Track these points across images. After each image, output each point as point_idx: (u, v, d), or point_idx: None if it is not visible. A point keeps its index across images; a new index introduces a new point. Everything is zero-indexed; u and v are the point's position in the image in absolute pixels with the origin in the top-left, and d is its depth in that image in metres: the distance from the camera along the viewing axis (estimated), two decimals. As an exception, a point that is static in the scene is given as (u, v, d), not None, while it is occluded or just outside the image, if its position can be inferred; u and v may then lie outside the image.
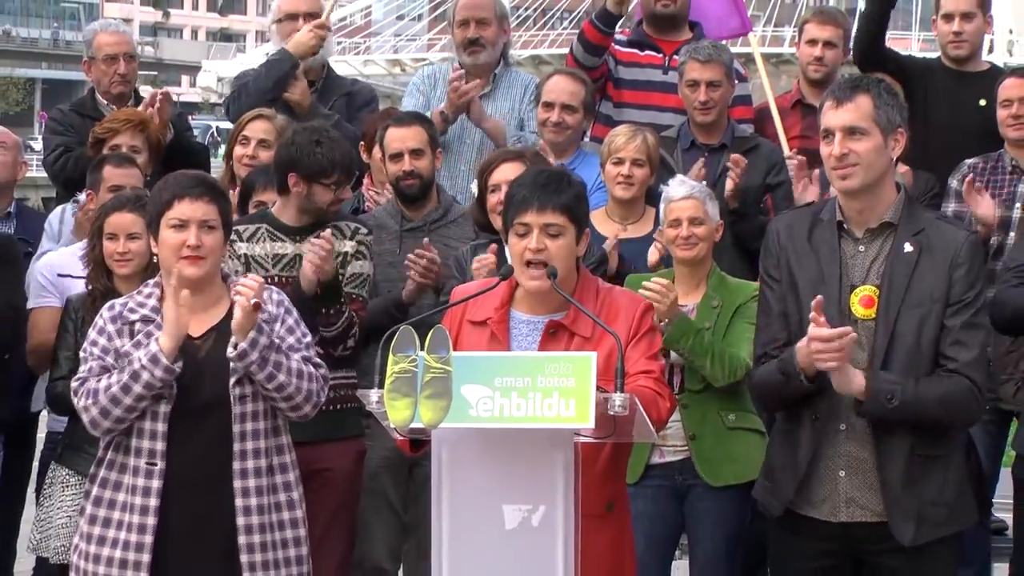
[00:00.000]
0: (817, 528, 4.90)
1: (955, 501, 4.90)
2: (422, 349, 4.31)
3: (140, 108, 7.23)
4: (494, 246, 5.83)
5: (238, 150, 6.83)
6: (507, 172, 5.83)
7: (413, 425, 4.33)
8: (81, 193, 6.66)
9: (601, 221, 6.41)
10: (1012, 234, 6.41)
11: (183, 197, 5.05)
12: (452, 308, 4.86)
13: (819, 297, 4.71)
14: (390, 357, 4.31)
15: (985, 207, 6.46)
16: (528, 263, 4.71)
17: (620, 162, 6.40)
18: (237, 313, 4.97)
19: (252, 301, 4.93)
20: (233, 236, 5.95)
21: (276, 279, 5.89)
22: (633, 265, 6.16)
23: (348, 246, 6.03)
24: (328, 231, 5.81)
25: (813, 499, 4.90)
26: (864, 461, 4.85)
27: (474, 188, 6.34)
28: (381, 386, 4.35)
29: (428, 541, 4.53)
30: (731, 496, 5.75)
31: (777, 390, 4.91)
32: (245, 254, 6.04)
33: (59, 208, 7.01)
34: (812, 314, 4.68)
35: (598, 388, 4.29)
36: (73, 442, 5.80)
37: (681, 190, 5.92)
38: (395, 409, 4.31)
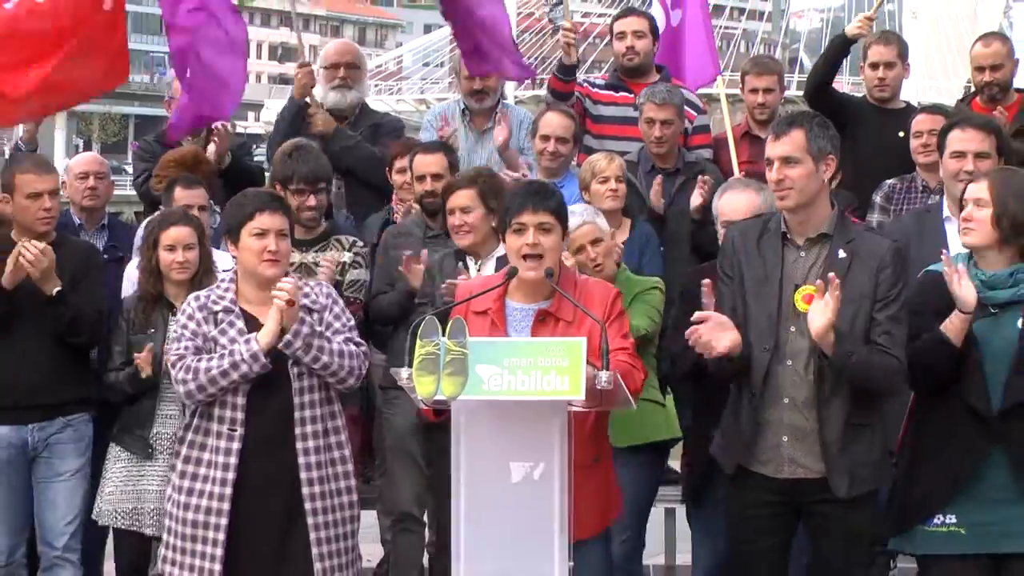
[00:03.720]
0: (764, 483, 4.88)
1: (879, 461, 4.89)
2: (443, 336, 4.31)
3: (212, 138, 7.21)
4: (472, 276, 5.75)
5: None
6: (458, 199, 5.89)
7: (437, 397, 4.34)
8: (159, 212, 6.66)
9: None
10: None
11: (264, 210, 5.03)
12: (464, 301, 4.86)
13: (697, 314, 4.73)
14: (417, 342, 4.32)
15: None
16: (525, 256, 4.71)
17: (606, 180, 6.38)
18: (271, 324, 4.94)
19: (286, 300, 4.90)
20: None
21: None
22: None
23: (347, 256, 6.06)
24: (329, 257, 5.63)
25: (760, 458, 4.88)
26: (803, 428, 4.82)
27: None
28: (410, 366, 4.36)
29: (447, 491, 4.53)
30: (635, 457, 5.67)
31: (715, 365, 4.88)
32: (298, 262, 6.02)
33: (147, 221, 6.99)
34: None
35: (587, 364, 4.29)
36: (124, 426, 5.78)
37: (574, 221, 5.44)
38: (422, 384, 4.32)
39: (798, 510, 4.93)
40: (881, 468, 4.91)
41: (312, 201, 6.06)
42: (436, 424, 5.60)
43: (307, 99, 7.42)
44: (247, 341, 4.96)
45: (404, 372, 4.43)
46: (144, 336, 5.69)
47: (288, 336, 4.94)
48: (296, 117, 7.41)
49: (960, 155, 5.54)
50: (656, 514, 6.81)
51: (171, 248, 5.72)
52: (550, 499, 4.37)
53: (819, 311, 4.65)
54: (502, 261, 5.70)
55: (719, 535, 5.37)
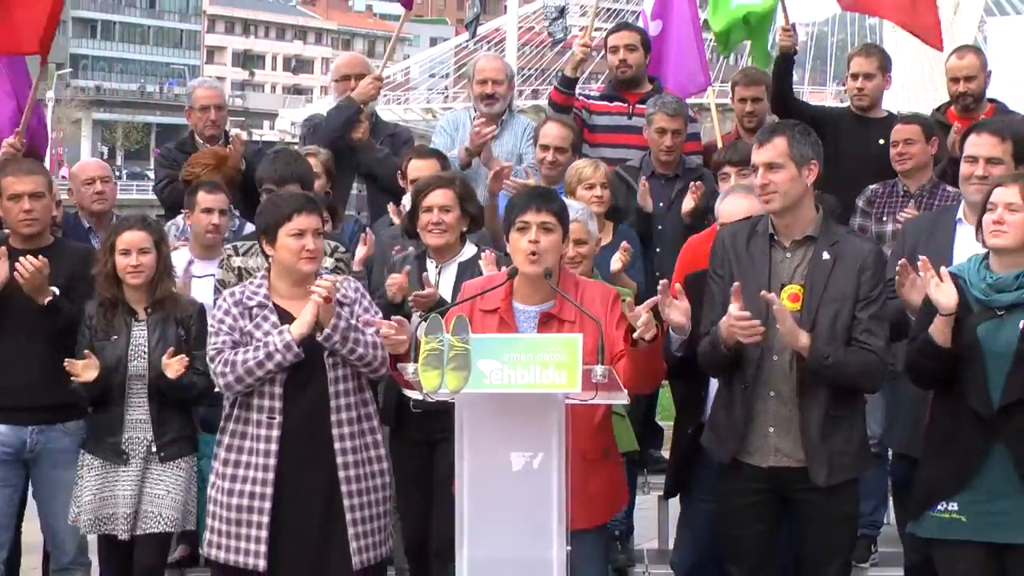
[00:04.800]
0: (752, 472, 4.88)
1: (857, 451, 4.89)
2: (447, 332, 4.30)
3: (228, 148, 7.18)
4: (407, 269, 5.64)
5: None
6: (438, 197, 5.65)
7: (441, 391, 4.31)
8: (180, 214, 6.62)
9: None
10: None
11: (301, 211, 5.02)
12: (467, 300, 4.86)
13: (737, 284, 4.70)
14: (422, 338, 4.31)
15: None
16: (528, 253, 4.71)
17: (592, 187, 6.34)
18: (310, 312, 4.94)
19: (323, 297, 4.90)
20: (231, 251, 5.87)
21: None
22: (598, 270, 5.94)
23: (328, 262, 5.83)
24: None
25: (749, 449, 4.88)
26: (788, 420, 4.82)
27: (406, 201, 6.13)
28: (416, 360, 4.34)
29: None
30: None
31: (709, 357, 4.88)
32: (239, 267, 5.89)
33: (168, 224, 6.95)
34: (732, 299, 4.68)
35: (585, 363, 4.29)
36: (95, 433, 5.56)
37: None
38: (427, 379, 4.30)
39: (783, 498, 4.92)
40: (860, 458, 4.91)
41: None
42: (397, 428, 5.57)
43: (363, 107, 7.40)
44: (280, 332, 4.97)
45: (411, 367, 4.41)
46: (107, 343, 5.49)
47: (327, 330, 4.95)
48: (350, 120, 7.34)
49: (973, 159, 5.31)
50: (650, 501, 6.83)
51: (125, 252, 5.50)
52: (548, 487, 4.36)
53: (780, 322, 4.66)
54: (463, 267, 5.64)
55: (699, 528, 5.36)
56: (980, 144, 5.28)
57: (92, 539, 5.87)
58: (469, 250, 5.75)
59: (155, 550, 5.51)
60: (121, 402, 5.50)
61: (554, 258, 4.75)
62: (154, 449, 5.49)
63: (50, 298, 5.53)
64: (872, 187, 6.72)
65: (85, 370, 5.38)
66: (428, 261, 5.72)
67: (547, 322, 4.75)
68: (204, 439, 5.65)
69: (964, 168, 5.33)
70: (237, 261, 5.90)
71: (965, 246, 5.22)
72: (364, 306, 5.13)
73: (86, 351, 5.41)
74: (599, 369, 4.31)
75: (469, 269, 5.64)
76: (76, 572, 5.79)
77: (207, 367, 5.42)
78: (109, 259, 5.53)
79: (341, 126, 7.33)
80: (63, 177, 15.31)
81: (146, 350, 5.49)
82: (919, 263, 4.73)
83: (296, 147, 7.10)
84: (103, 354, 5.46)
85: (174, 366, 5.41)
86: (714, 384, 5.15)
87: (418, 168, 6.40)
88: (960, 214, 5.38)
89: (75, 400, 5.56)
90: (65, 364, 5.38)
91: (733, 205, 5.42)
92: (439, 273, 5.65)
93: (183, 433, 5.55)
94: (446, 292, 5.49)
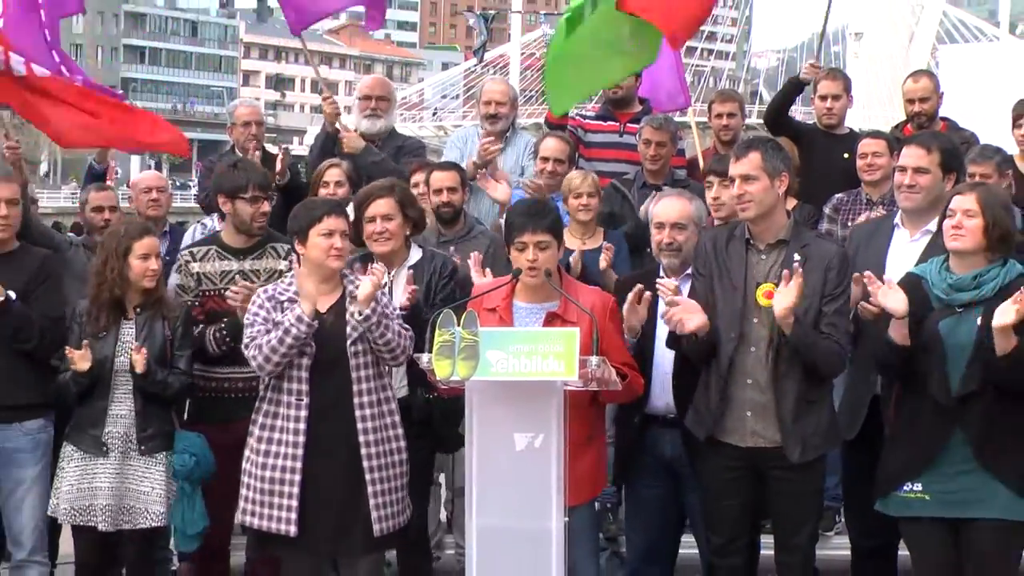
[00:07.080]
0: (731, 451, 4.88)
1: (826, 431, 4.89)
2: (458, 326, 4.31)
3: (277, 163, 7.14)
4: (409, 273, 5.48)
5: (322, 191, 6.60)
6: (379, 207, 5.48)
7: (452, 378, 4.33)
8: (206, 217, 6.59)
9: (566, 237, 6.29)
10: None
11: (331, 214, 5.00)
12: (476, 297, 4.88)
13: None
14: (436, 331, 4.32)
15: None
16: (527, 269, 4.75)
17: (579, 196, 6.31)
18: (367, 287, 4.91)
19: (374, 282, 4.89)
20: (188, 257, 5.68)
21: (222, 292, 5.56)
22: (590, 270, 5.99)
23: (283, 264, 5.65)
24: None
25: (728, 429, 4.87)
26: (764, 404, 4.82)
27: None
28: (430, 351, 4.36)
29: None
30: None
31: (694, 348, 4.86)
32: (197, 272, 5.64)
33: (193, 226, 6.86)
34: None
35: (582, 356, 4.30)
36: (77, 425, 5.27)
37: None
38: (440, 367, 4.33)
39: (759, 475, 4.91)
40: (829, 437, 4.91)
41: (266, 207, 5.67)
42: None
43: (336, 125, 7.37)
44: (292, 310, 4.93)
45: (425, 357, 4.42)
46: (97, 340, 5.22)
47: (367, 311, 4.90)
48: (327, 142, 7.34)
49: (903, 169, 5.29)
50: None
51: (146, 256, 5.27)
52: (548, 464, 4.37)
53: (784, 296, 4.63)
54: (416, 269, 5.53)
55: (649, 514, 5.31)
56: (908, 155, 5.28)
57: (66, 539, 5.58)
58: (415, 253, 5.62)
59: (142, 546, 5.32)
60: (106, 396, 5.25)
61: (551, 266, 4.80)
62: (135, 443, 5.24)
63: (1, 299, 5.21)
64: (838, 196, 6.71)
65: (81, 360, 5.17)
66: (375, 265, 5.45)
67: (552, 321, 4.78)
68: (178, 435, 5.39)
69: (896, 177, 5.34)
70: (196, 267, 5.66)
71: (899, 249, 5.24)
72: (384, 303, 5.10)
73: (85, 342, 5.20)
74: (594, 360, 4.34)
75: (418, 272, 5.51)
76: (31, 569, 5.40)
77: (188, 367, 5.37)
78: (116, 264, 5.26)
79: (319, 151, 7.27)
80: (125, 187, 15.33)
81: (133, 346, 5.24)
82: (865, 278, 4.67)
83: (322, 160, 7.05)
84: (92, 350, 5.22)
85: (139, 360, 5.20)
86: (657, 376, 5.13)
87: (440, 179, 6.36)
88: (897, 220, 5.37)
89: (39, 400, 5.34)
90: (66, 352, 5.17)
91: (668, 205, 5.34)
92: (391, 278, 5.48)
93: (164, 429, 5.31)
94: (399, 296, 5.35)
